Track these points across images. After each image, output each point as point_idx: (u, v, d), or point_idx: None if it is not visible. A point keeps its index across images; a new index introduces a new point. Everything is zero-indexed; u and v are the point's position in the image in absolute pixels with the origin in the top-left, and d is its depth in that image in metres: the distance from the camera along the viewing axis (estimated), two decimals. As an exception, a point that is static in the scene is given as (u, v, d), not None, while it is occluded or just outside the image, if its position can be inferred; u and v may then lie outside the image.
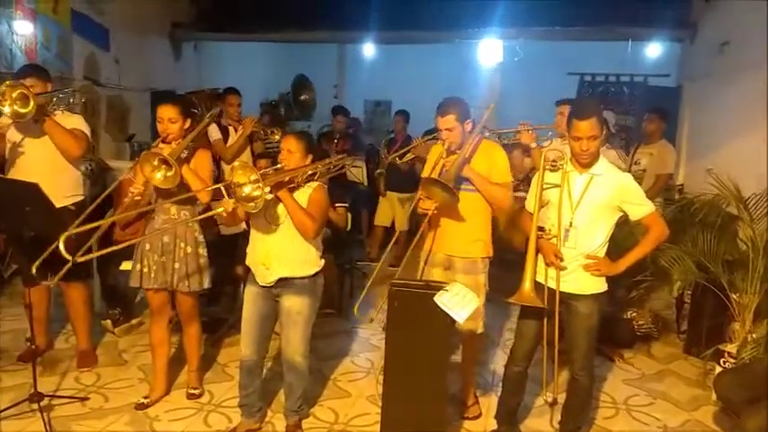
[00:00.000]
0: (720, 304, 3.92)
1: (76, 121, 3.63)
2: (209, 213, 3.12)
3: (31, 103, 3.26)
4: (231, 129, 5.23)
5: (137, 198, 3.14)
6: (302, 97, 8.59)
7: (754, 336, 3.66)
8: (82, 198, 3.71)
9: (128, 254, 4.49)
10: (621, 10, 6.56)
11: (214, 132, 5.20)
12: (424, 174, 3.19)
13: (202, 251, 3.33)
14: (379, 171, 6.43)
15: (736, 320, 3.79)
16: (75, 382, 3.62)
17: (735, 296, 3.80)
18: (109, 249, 2.91)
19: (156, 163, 2.98)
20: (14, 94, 3.25)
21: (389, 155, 6.48)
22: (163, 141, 3.17)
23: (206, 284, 3.36)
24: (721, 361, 3.69)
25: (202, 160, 3.25)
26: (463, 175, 3.02)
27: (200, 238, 3.32)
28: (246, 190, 2.70)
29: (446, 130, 3.04)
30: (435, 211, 3.04)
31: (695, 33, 6.59)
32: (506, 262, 6.12)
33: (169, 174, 2.99)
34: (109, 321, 4.36)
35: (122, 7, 6.70)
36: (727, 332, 3.87)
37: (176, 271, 3.24)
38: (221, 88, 7.10)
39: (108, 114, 6.63)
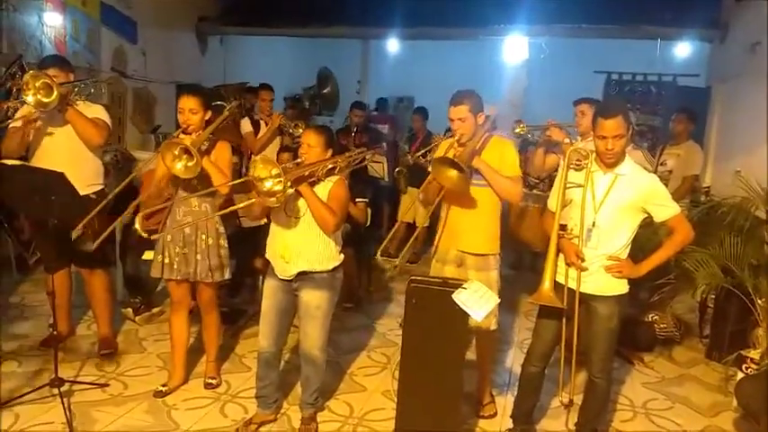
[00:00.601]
0: (744, 309, 3.84)
1: (98, 111, 3.68)
2: (236, 207, 3.14)
3: (55, 92, 3.32)
4: (262, 123, 5.48)
5: (165, 180, 3.18)
6: (325, 90, 8.64)
7: (778, 342, 3.58)
8: (102, 187, 3.77)
9: (151, 243, 4.57)
10: (650, 9, 6.45)
11: (246, 126, 5.52)
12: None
13: (223, 242, 3.36)
14: (398, 169, 6.41)
15: (760, 326, 3.71)
16: (96, 369, 3.69)
17: (760, 302, 3.72)
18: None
19: (176, 153, 3.01)
20: (38, 84, 3.30)
21: (410, 153, 6.49)
22: (183, 132, 3.19)
23: (227, 275, 3.40)
24: (743, 367, 3.61)
25: (223, 152, 3.28)
26: (473, 165, 2.98)
27: (221, 229, 3.36)
28: (268, 184, 2.70)
29: (458, 120, 3.02)
30: (444, 201, 3.01)
31: (726, 33, 6.45)
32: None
33: (190, 164, 3.01)
34: (130, 310, 4.43)
35: (150, 1, 6.79)
36: (751, 338, 3.78)
37: (198, 262, 3.28)
38: (249, 82, 7.20)
39: (134, 106, 6.74)
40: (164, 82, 7.12)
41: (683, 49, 7.15)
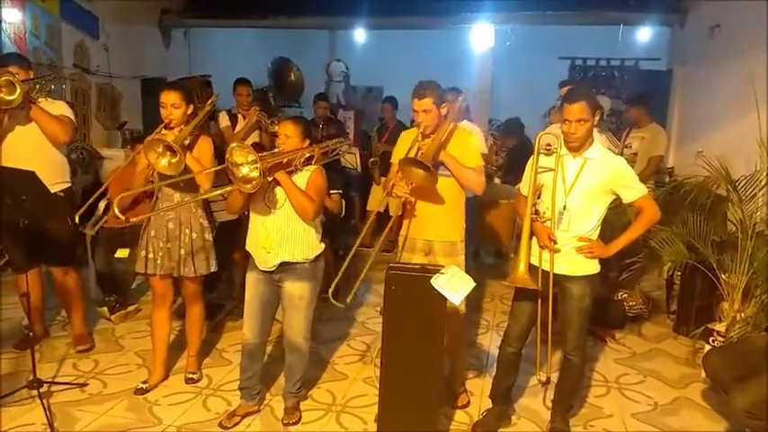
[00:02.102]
0: (709, 284, 4.00)
1: (61, 108, 3.62)
2: (216, 192, 3.09)
3: (18, 90, 3.26)
4: (240, 117, 5.49)
5: (147, 174, 3.17)
6: (290, 79, 8.58)
7: (742, 315, 3.73)
8: (69, 185, 3.72)
9: (122, 241, 4.54)
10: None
11: (223, 120, 5.52)
12: (396, 157, 3.17)
13: (208, 236, 3.37)
14: (372, 160, 6.44)
15: (725, 300, 3.86)
16: (74, 369, 3.65)
17: (724, 276, 3.87)
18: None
19: (160, 149, 2.99)
20: (0, 81, 3.24)
21: (381, 143, 6.53)
22: (166, 128, 3.17)
23: (212, 268, 3.40)
24: (710, 340, 3.77)
25: (204, 147, 3.27)
26: (439, 159, 3.02)
27: (205, 223, 3.36)
28: (244, 170, 2.71)
29: (423, 112, 3.03)
30: (411, 198, 3.07)
31: (685, 18, 6.61)
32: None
33: (174, 160, 3.00)
34: (105, 308, 4.38)
35: (111, -7, 6.65)
36: (716, 312, 3.94)
37: (182, 257, 3.28)
38: (211, 75, 7.12)
39: (98, 102, 6.60)
40: (128, 77, 6.99)
41: (645, 34, 7.30)
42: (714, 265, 3.88)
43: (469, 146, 3.16)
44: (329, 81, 9.10)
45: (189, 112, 3.22)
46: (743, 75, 4.86)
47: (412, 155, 2.98)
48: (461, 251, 3.22)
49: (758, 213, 3.89)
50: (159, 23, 7.76)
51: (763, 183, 3.91)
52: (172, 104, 3.15)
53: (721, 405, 3.30)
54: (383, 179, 6.33)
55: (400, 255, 3.29)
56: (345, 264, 3.07)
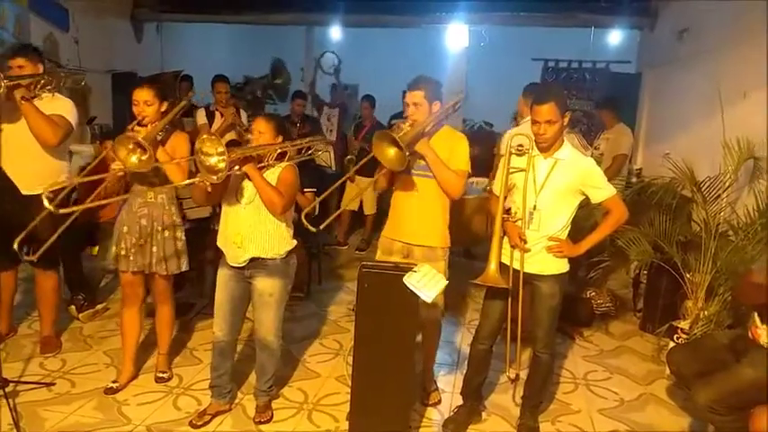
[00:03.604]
0: (674, 283, 4.08)
1: (61, 107, 3.51)
2: (190, 181, 3.06)
3: (3, 83, 3.18)
4: (218, 114, 5.48)
5: (119, 174, 3.13)
6: (278, 81, 8.55)
7: (705, 313, 3.83)
8: (63, 185, 3.59)
9: (91, 239, 4.47)
10: (583, -3, 6.69)
11: (201, 117, 5.53)
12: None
13: (180, 234, 3.33)
14: (348, 157, 6.44)
15: (690, 298, 3.96)
16: (40, 368, 3.59)
17: (688, 275, 3.96)
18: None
19: (131, 146, 2.94)
20: None
21: (357, 140, 6.53)
22: (138, 124, 3.12)
23: (184, 267, 3.37)
24: (675, 337, 3.86)
25: (179, 143, 3.22)
26: (417, 149, 2.94)
27: (178, 221, 3.33)
28: (212, 161, 2.69)
29: (413, 104, 2.99)
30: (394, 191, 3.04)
31: (655, 21, 6.76)
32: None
33: (144, 157, 2.94)
34: (73, 307, 4.31)
35: (82, -15, 6.53)
36: (681, 310, 4.03)
37: (154, 254, 3.24)
38: (184, 70, 7.04)
39: (68, 96, 6.46)
40: (98, 71, 6.86)
41: (615, 37, 7.45)
42: (679, 265, 3.97)
43: (458, 149, 3.08)
44: (314, 75, 9.02)
45: (163, 109, 3.18)
46: (709, 78, 4.98)
47: (393, 133, 2.86)
48: (442, 257, 3.15)
49: (722, 214, 4.00)
50: (131, 17, 7.65)
51: (727, 184, 4.02)
52: (144, 102, 3.11)
53: (685, 401, 3.39)
54: (359, 178, 6.36)
55: (379, 257, 3.22)
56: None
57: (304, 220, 2.91)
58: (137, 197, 3.23)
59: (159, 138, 3.11)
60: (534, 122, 2.85)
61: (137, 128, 3.10)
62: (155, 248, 3.24)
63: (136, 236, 3.22)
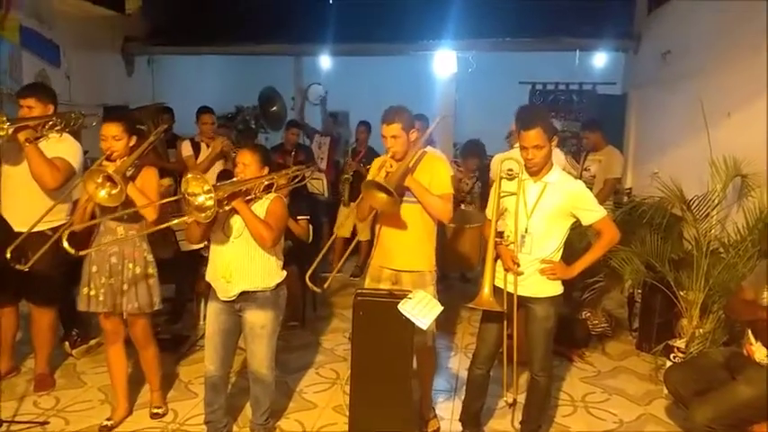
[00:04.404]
0: (669, 302, 4.10)
1: (65, 149, 3.51)
2: (167, 225, 3.07)
3: (6, 126, 3.20)
4: (203, 145, 5.48)
5: (89, 208, 3.09)
6: (273, 109, 8.62)
7: (701, 331, 3.84)
8: (63, 222, 3.53)
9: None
10: (569, 22, 6.82)
11: (186, 149, 5.52)
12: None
13: (152, 271, 3.27)
14: (345, 177, 6.47)
15: (684, 317, 3.97)
16: (34, 407, 3.54)
17: (682, 293, 3.98)
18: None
19: (99, 180, 2.92)
20: None
21: (354, 161, 6.55)
22: (107, 159, 3.09)
23: (157, 305, 3.30)
24: (671, 356, 3.86)
25: (149, 178, 3.19)
26: (405, 184, 3.01)
27: (150, 257, 3.26)
28: (200, 200, 2.70)
29: (391, 137, 3.03)
30: (378, 218, 3.06)
31: (639, 43, 6.88)
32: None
33: (114, 191, 2.92)
34: (66, 343, 4.27)
35: (73, 22, 6.59)
36: (676, 328, 4.05)
37: (125, 293, 3.17)
38: (166, 102, 7.09)
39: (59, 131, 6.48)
40: (90, 105, 6.87)
41: (601, 59, 7.58)
42: (672, 283, 3.99)
43: (439, 173, 3.14)
44: (303, 104, 9.11)
45: (132, 143, 3.15)
46: (693, 98, 5.06)
47: (379, 178, 2.95)
48: (431, 281, 3.18)
49: (712, 232, 4.04)
50: (122, 51, 7.71)
51: (716, 202, 4.07)
52: (113, 136, 3.08)
53: (684, 420, 3.36)
54: (352, 204, 6.38)
55: (368, 284, 3.23)
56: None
57: (309, 283, 2.94)
58: (106, 234, 3.17)
59: (129, 173, 3.07)
60: (523, 148, 2.89)
61: (105, 162, 3.06)
62: (125, 287, 3.17)
63: (106, 275, 3.15)
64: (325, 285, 3.02)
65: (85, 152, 6.69)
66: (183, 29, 7.72)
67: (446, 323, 4.90)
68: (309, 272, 2.97)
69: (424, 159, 3.16)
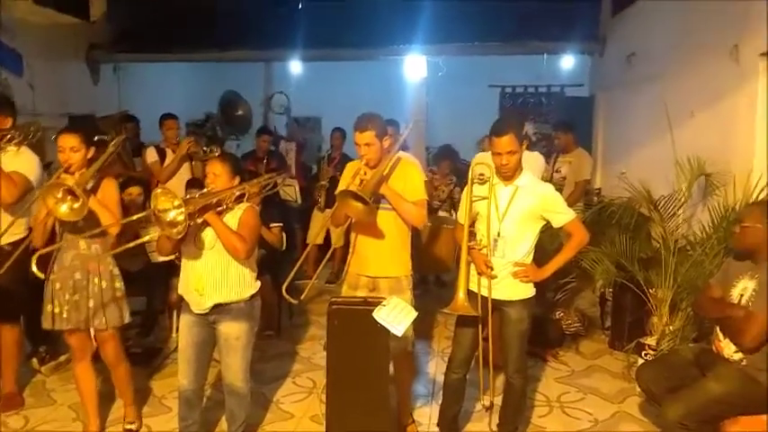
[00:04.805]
0: (639, 300, 4.17)
1: (24, 162, 3.43)
2: (137, 242, 3.03)
3: None
4: (169, 151, 5.41)
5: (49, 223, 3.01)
6: (238, 113, 8.54)
7: (671, 328, 3.92)
8: (22, 236, 3.45)
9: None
10: (535, 26, 6.91)
11: (151, 155, 5.42)
12: (340, 189, 3.16)
13: (119, 285, 3.20)
14: (321, 183, 6.44)
15: (654, 314, 4.05)
16: (3, 428, 3.44)
17: (651, 291, 4.06)
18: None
19: (59, 195, 2.84)
20: None
21: (330, 167, 6.52)
22: (65, 172, 3.02)
23: (126, 320, 3.24)
24: (643, 353, 3.93)
25: (109, 190, 3.13)
26: (380, 192, 3.01)
27: (116, 270, 3.19)
28: (171, 215, 2.66)
29: (365, 145, 3.03)
30: (353, 225, 3.07)
31: (604, 46, 7.01)
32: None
33: (75, 205, 2.85)
34: (35, 360, 4.16)
35: (36, 30, 6.44)
36: (647, 326, 4.12)
37: (91, 309, 3.10)
38: (128, 110, 6.98)
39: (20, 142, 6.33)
40: (54, 115, 6.73)
41: (568, 62, 7.69)
42: (642, 282, 4.06)
43: (412, 179, 3.15)
44: (266, 113, 9.08)
45: (90, 155, 3.08)
46: (657, 99, 5.18)
47: (354, 187, 2.94)
48: (408, 287, 3.19)
49: (679, 230, 4.13)
50: (87, 59, 7.56)
51: (682, 201, 4.16)
52: (70, 148, 3.00)
53: (658, 417, 3.41)
54: (327, 210, 6.35)
55: (345, 292, 3.24)
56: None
57: (285, 295, 2.92)
58: (68, 250, 3.08)
59: (89, 186, 3.00)
60: (496, 154, 2.91)
61: (63, 175, 2.99)
62: (91, 302, 3.09)
63: (69, 291, 3.07)
64: (302, 297, 3.00)
65: (50, 163, 6.58)
66: (149, 35, 7.61)
67: (423, 328, 4.90)
68: (286, 284, 2.95)
69: (398, 167, 3.17)
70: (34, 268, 2.76)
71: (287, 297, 2.92)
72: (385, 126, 3.14)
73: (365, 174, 3.00)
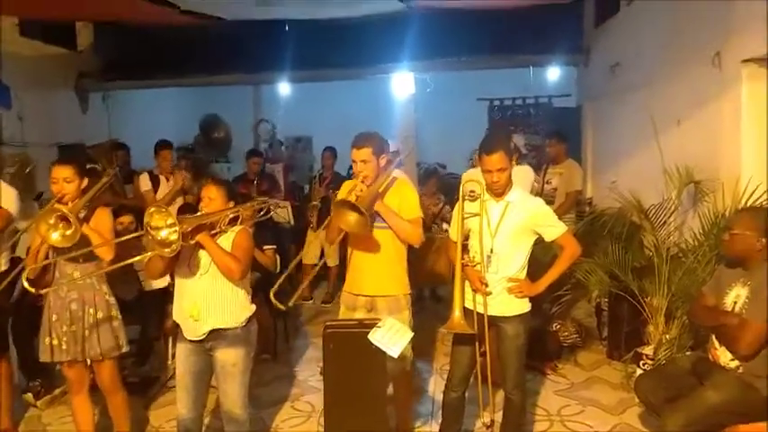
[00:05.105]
0: (635, 309, 4.17)
1: (2, 195, 3.44)
2: (130, 261, 3.01)
3: None
4: (162, 178, 5.48)
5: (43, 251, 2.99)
6: (215, 135, 8.59)
7: (667, 336, 3.92)
8: (2, 270, 3.48)
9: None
10: (521, 39, 6.96)
11: (144, 183, 5.45)
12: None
13: (115, 313, 3.19)
14: (313, 203, 6.45)
15: (651, 323, 4.05)
16: (-3, 466, 3.40)
17: (646, 300, 4.06)
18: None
19: (52, 221, 2.85)
20: None
21: (321, 187, 6.53)
22: (58, 202, 3.02)
23: (124, 348, 3.24)
24: (641, 363, 3.93)
25: (103, 218, 3.14)
26: (375, 209, 3.03)
27: (111, 299, 3.19)
28: (163, 234, 2.66)
29: (361, 162, 3.06)
30: (349, 244, 3.06)
31: (588, 57, 7.08)
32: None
33: (68, 232, 2.85)
34: (30, 394, 4.12)
35: (24, 62, 6.45)
36: (644, 335, 4.12)
37: (88, 339, 3.08)
38: (119, 138, 6.99)
39: (12, 173, 6.31)
40: (44, 145, 6.73)
41: (554, 73, 7.75)
42: (636, 291, 4.07)
43: (407, 198, 3.18)
44: (258, 140, 9.15)
45: (83, 185, 3.10)
46: (643, 108, 5.23)
47: (350, 198, 2.94)
48: (406, 306, 3.20)
49: (671, 238, 4.15)
50: (75, 88, 7.56)
51: (672, 209, 4.18)
52: (64, 179, 3.02)
53: (658, 428, 3.42)
54: (321, 231, 6.32)
55: (342, 313, 3.24)
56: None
57: (272, 299, 2.90)
58: (63, 279, 3.08)
59: (82, 215, 3.01)
60: (486, 172, 2.93)
61: (56, 205, 2.99)
62: (87, 333, 3.08)
63: (66, 323, 3.07)
64: (290, 303, 2.98)
65: (40, 194, 6.58)
66: (136, 63, 7.62)
67: (421, 345, 4.88)
68: (274, 289, 2.93)
69: (394, 186, 3.20)
70: (25, 283, 2.75)
71: (274, 302, 2.88)
72: (383, 144, 3.17)
73: (361, 191, 3.01)
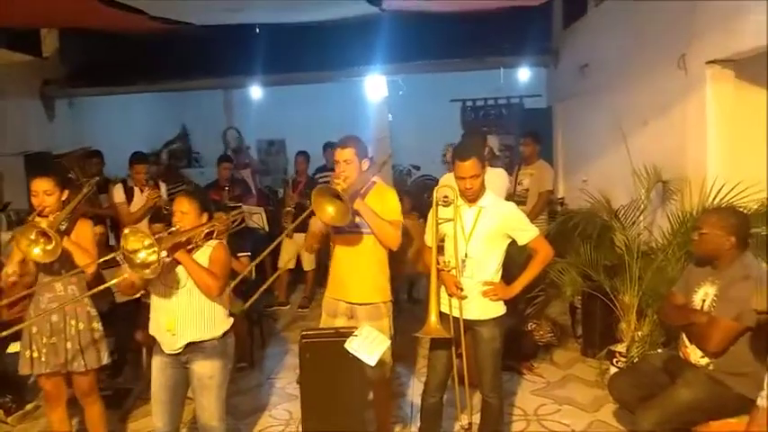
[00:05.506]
0: (607, 307, 4.24)
1: None
2: (109, 284, 2.98)
3: None
4: (137, 190, 5.41)
5: (12, 279, 2.95)
6: (174, 146, 8.57)
7: (639, 333, 3.98)
8: None
9: (15, 336, 4.20)
10: (491, 41, 7.02)
11: (118, 195, 5.41)
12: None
13: (97, 325, 3.17)
14: (287, 209, 6.41)
15: (623, 321, 4.12)
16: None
17: (619, 298, 4.13)
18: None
19: (33, 237, 2.82)
20: None
21: (295, 194, 6.49)
22: (39, 215, 2.99)
23: (104, 360, 3.21)
24: (614, 360, 4.00)
25: (84, 230, 3.12)
26: (354, 207, 3.00)
27: (93, 311, 3.17)
28: (141, 255, 2.62)
29: (344, 161, 3.07)
30: (331, 252, 3.06)
31: (557, 58, 7.17)
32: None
33: (49, 247, 2.83)
34: (0, 411, 4.02)
35: (-14, 69, 6.31)
36: (617, 332, 4.19)
37: (69, 351, 3.05)
38: (91, 146, 6.87)
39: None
40: (9, 154, 6.58)
41: (525, 74, 7.84)
42: (608, 289, 4.13)
43: (389, 201, 3.19)
44: (227, 147, 9.09)
45: (63, 197, 3.07)
46: (611, 108, 5.32)
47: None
48: (386, 313, 3.21)
49: (641, 237, 4.22)
50: (41, 95, 7.40)
51: (642, 208, 4.26)
52: (44, 191, 3.00)
53: (632, 425, 3.48)
54: (297, 235, 6.30)
55: (324, 320, 3.24)
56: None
57: (231, 295, 2.90)
58: (44, 292, 3.05)
59: (63, 227, 2.98)
60: (460, 178, 2.95)
61: (37, 219, 2.97)
62: (69, 344, 3.06)
63: (47, 335, 3.04)
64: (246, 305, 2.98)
65: (7, 204, 6.42)
66: (104, 68, 7.48)
67: (398, 348, 4.89)
68: (249, 302, 2.91)
69: (374, 189, 3.21)
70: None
71: (234, 301, 2.88)
72: (366, 149, 3.18)
73: (339, 185, 2.95)
